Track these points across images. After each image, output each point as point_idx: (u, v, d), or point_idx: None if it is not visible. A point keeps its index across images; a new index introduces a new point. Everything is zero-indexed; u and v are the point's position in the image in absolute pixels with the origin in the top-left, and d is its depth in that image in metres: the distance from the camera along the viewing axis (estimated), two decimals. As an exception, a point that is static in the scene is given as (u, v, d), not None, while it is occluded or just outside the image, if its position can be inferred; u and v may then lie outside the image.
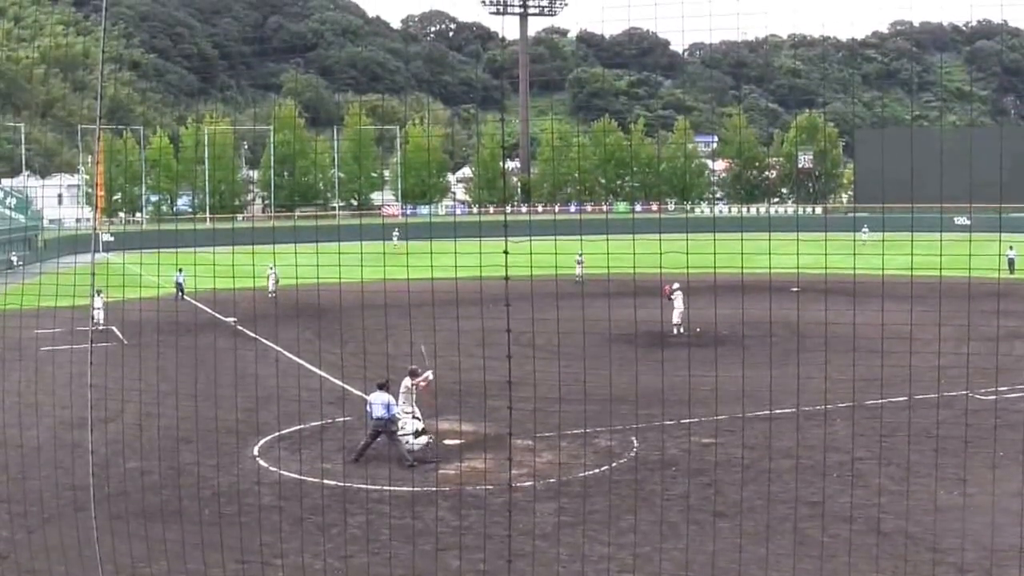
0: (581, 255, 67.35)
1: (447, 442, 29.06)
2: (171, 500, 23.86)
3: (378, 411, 27.73)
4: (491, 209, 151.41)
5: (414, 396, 29.01)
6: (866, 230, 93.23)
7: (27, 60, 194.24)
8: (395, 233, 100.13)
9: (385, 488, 24.73)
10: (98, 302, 48.98)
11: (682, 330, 47.85)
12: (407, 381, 29.04)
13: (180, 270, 63.85)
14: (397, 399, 28.40)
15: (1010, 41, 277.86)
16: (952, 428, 27.41)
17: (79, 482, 22.12)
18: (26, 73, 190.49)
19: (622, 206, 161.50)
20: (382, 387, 28.23)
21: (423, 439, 27.87)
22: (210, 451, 26.95)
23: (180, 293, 64.80)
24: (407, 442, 27.60)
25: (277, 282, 62.90)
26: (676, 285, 47.18)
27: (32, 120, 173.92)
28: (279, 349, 43.55)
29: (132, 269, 57.18)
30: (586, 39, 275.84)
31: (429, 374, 29.40)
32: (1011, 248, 71.34)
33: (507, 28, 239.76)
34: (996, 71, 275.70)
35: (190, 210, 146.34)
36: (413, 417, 28.18)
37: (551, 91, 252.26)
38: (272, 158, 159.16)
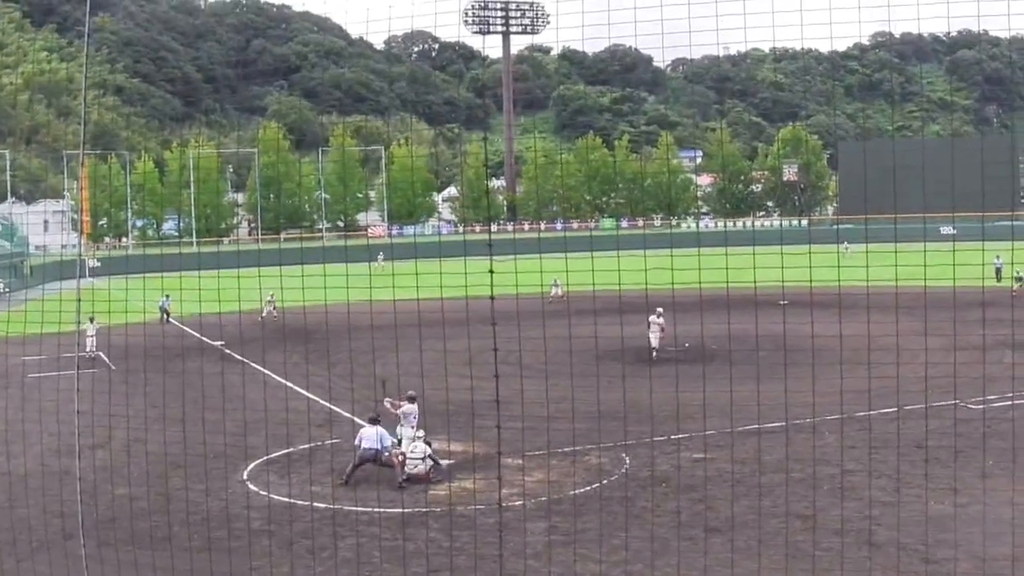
0: (557, 282, 66.24)
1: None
2: (160, 526, 23.76)
3: (369, 443, 27.77)
4: (477, 228, 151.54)
5: (414, 419, 29.14)
6: (847, 245, 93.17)
7: (11, 86, 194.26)
8: (380, 254, 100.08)
9: (375, 510, 24.67)
10: (91, 329, 48.92)
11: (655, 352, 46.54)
12: (408, 406, 29.13)
13: (167, 296, 63.55)
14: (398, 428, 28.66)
15: (990, 51, 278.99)
16: (942, 438, 27.46)
17: (68, 509, 22.02)
18: (10, 100, 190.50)
19: (608, 222, 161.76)
20: (374, 421, 28.43)
21: (430, 462, 27.82)
22: (199, 476, 26.88)
23: (166, 317, 64.55)
24: (415, 466, 27.56)
25: (275, 307, 62.34)
26: (659, 311, 46.00)
27: (17, 146, 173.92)
28: (267, 372, 43.46)
29: (119, 294, 57.14)
30: (569, 56, 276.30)
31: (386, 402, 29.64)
32: (998, 257, 71.45)
33: (490, 47, 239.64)
34: (978, 80, 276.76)
35: (176, 234, 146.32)
36: (424, 441, 28.15)
37: (535, 109, 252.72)
38: (258, 181, 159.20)
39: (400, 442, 28.46)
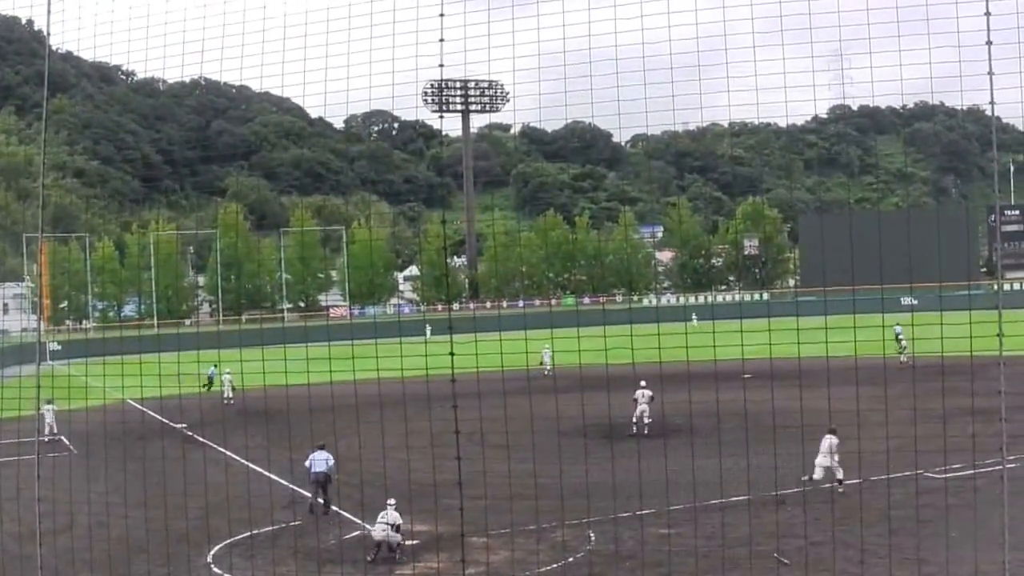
0: (546, 349, 65.89)
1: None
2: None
3: (319, 466, 31.50)
4: (439, 307, 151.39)
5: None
6: (695, 318, 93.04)
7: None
8: (427, 327, 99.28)
9: (340, 592, 24.49)
10: (48, 412, 48.50)
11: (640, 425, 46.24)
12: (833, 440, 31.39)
13: (214, 366, 62.94)
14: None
15: (947, 122, 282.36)
16: (906, 508, 27.51)
17: (29, 597, 21.80)
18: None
19: (570, 299, 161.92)
20: (321, 447, 31.98)
21: (398, 536, 27.56)
22: (162, 560, 26.65)
23: (209, 386, 64.13)
24: (383, 530, 27.33)
25: (233, 388, 62.32)
26: (643, 388, 45.58)
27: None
28: (229, 454, 43.15)
29: (80, 378, 56.75)
30: (528, 134, 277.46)
31: None
32: (898, 325, 70.40)
33: (449, 125, 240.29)
34: (935, 152, 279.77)
35: (137, 316, 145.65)
36: (394, 510, 27.81)
37: (495, 187, 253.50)
38: (219, 263, 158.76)
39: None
